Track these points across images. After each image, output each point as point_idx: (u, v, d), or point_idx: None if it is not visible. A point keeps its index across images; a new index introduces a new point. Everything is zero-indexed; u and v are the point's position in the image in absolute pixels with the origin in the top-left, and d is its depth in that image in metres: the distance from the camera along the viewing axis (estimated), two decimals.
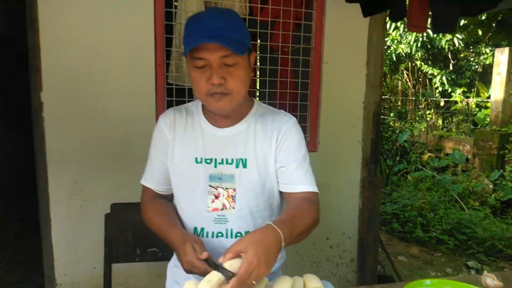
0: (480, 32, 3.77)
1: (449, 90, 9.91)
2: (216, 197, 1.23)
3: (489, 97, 8.20)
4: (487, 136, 6.19)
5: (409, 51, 9.86)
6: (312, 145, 2.55)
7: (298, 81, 2.54)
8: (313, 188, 1.22)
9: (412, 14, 1.79)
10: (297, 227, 1.06)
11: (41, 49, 2.02)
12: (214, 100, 1.14)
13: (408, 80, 10.77)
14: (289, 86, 2.52)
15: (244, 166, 1.22)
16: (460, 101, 9.47)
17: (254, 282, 0.92)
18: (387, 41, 9.43)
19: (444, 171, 6.59)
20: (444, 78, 9.88)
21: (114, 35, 2.13)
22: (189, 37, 1.10)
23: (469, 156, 6.58)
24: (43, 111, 2.07)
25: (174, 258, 1.36)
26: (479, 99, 9.16)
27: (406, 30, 9.10)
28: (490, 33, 3.68)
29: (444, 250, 3.95)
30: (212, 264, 1.02)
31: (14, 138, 5.33)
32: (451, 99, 9.69)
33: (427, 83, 10.63)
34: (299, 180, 1.22)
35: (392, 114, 8.50)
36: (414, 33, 9.04)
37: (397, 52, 10.17)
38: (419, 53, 9.91)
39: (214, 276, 0.91)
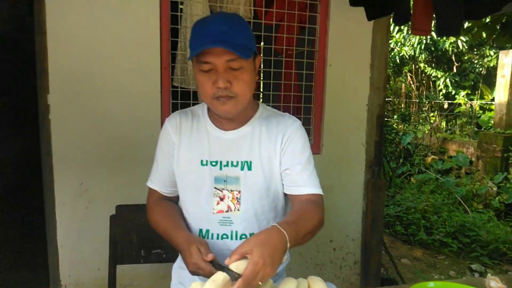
0: (484, 35, 3.77)
1: (453, 92, 9.90)
2: (221, 199, 1.24)
3: (493, 100, 8.18)
4: (491, 138, 6.18)
5: (412, 54, 9.87)
6: (316, 147, 2.56)
7: (302, 84, 2.55)
8: (318, 190, 1.23)
9: (416, 17, 1.79)
10: (302, 229, 1.07)
11: (48, 52, 2.04)
12: (219, 103, 1.15)
13: (411, 82, 10.77)
14: (293, 88, 2.54)
15: (249, 168, 1.23)
16: (464, 103, 9.46)
17: (260, 283, 0.93)
18: (390, 43, 9.43)
19: (448, 174, 6.57)
20: (447, 80, 9.87)
21: (120, 38, 2.15)
22: (196, 41, 1.12)
23: (473, 159, 6.57)
24: (50, 113, 2.09)
25: (179, 259, 1.37)
26: (483, 102, 9.14)
27: (410, 32, 9.09)
28: (494, 36, 3.69)
29: (447, 253, 3.94)
30: (218, 266, 1.03)
31: (18, 139, 5.37)
32: (455, 101, 9.67)
33: (431, 85, 10.63)
34: (304, 182, 1.23)
35: (395, 116, 8.50)
36: (418, 36, 9.03)
37: (400, 55, 10.18)
38: (423, 56, 9.91)
39: (220, 276, 0.92)
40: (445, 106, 9.88)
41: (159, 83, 2.23)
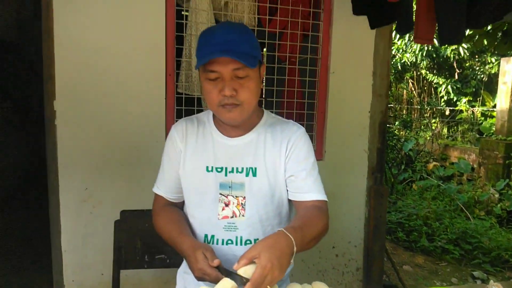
0: (485, 42, 3.80)
1: (455, 99, 9.92)
2: (226, 205, 1.26)
3: (494, 106, 8.20)
4: (492, 145, 6.18)
5: (414, 60, 9.90)
6: (318, 153, 2.58)
7: (305, 91, 2.57)
8: (322, 197, 1.25)
9: (419, 26, 1.82)
10: (308, 234, 1.09)
11: (55, 58, 2.07)
12: (225, 110, 1.17)
13: (413, 89, 10.79)
14: (296, 95, 2.56)
15: (254, 174, 1.25)
16: (466, 110, 9.47)
17: (268, 287, 0.94)
18: (392, 50, 9.47)
19: (450, 180, 6.57)
20: (449, 87, 9.90)
21: (126, 46, 2.18)
22: (202, 51, 1.14)
23: (475, 165, 6.56)
24: (56, 119, 2.11)
25: (184, 264, 1.38)
26: (485, 108, 9.15)
27: (411, 39, 9.14)
28: (495, 43, 3.71)
29: (449, 260, 3.93)
30: (224, 271, 1.04)
31: (22, 143, 5.39)
32: (456, 108, 9.69)
33: (432, 92, 10.65)
34: (309, 188, 1.24)
35: (397, 123, 8.50)
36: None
37: (402, 61, 10.21)
38: (424, 62, 9.94)
39: (227, 283, 0.93)
40: (447, 112, 9.89)
41: (164, 89, 2.26)
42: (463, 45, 8.81)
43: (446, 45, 8.55)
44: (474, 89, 9.79)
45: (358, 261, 2.77)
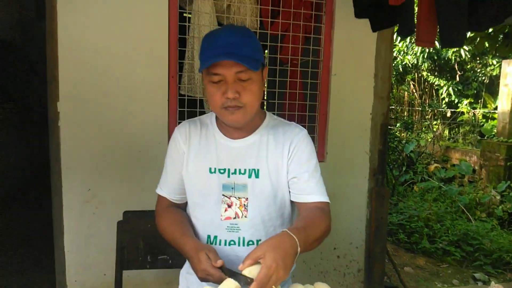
0: (486, 44, 3.81)
1: (456, 101, 9.93)
2: (229, 206, 1.27)
3: (496, 108, 8.20)
4: (494, 147, 6.18)
5: (415, 62, 9.91)
6: (320, 155, 2.59)
7: (307, 93, 2.58)
8: (325, 198, 1.26)
9: (421, 29, 1.82)
10: (311, 235, 1.10)
11: (59, 60, 2.09)
12: (228, 113, 1.18)
13: (414, 90, 10.80)
14: (298, 97, 2.57)
15: (257, 176, 1.26)
16: (467, 112, 9.48)
17: (273, 287, 0.95)
18: (393, 52, 9.49)
19: (451, 182, 6.57)
20: (450, 89, 9.90)
21: (129, 48, 2.20)
22: (206, 54, 1.16)
23: (476, 167, 6.57)
24: (59, 121, 2.13)
25: (187, 265, 1.39)
26: (486, 110, 9.16)
27: (413, 41, 9.14)
28: (497, 45, 3.72)
29: (450, 262, 3.93)
30: (227, 272, 1.05)
31: (24, 144, 5.41)
32: (458, 110, 9.69)
33: (434, 93, 10.66)
34: (311, 190, 1.25)
35: (398, 124, 8.51)
36: None
37: (403, 63, 10.23)
38: (426, 64, 9.96)
39: (231, 284, 0.94)
40: (448, 114, 9.90)
41: (166, 91, 2.27)
42: (465, 47, 8.82)
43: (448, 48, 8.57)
44: (475, 91, 9.79)
45: (360, 263, 2.78)
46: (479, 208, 5.39)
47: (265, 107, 3.80)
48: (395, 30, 2.97)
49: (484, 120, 8.96)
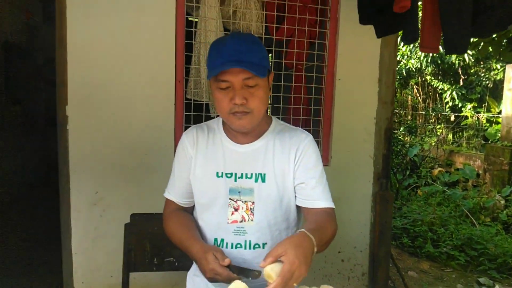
0: (490, 49, 3.82)
1: (460, 105, 9.91)
2: (236, 210, 1.29)
3: (500, 113, 8.18)
4: (498, 151, 6.17)
5: (419, 66, 9.91)
6: (324, 159, 2.61)
7: (312, 97, 2.61)
8: (331, 204, 1.28)
9: (425, 35, 1.84)
10: (323, 237, 1.12)
11: (68, 65, 2.12)
12: (236, 118, 1.21)
13: (418, 94, 10.79)
14: (302, 101, 2.59)
15: (263, 180, 1.28)
16: (471, 116, 9.46)
17: (295, 284, 0.97)
18: (397, 56, 9.51)
19: (455, 186, 6.55)
20: (454, 93, 9.89)
21: (137, 53, 2.24)
22: (214, 62, 1.18)
23: (480, 172, 6.55)
24: (68, 124, 2.16)
25: (194, 267, 1.41)
26: (490, 115, 9.13)
27: (416, 45, 9.16)
28: (501, 50, 3.72)
29: (454, 266, 3.93)
30: (235, 269, 1.07)
31: (30, 147, 5.46)
32: (462, 114, 9.67)
33: (437, 98, 10.64)
34: (318, 196, 1.28)
35: (402, 128, 8.50)
36: None
37: (407, 67, 10.23)
38: (429, 68, 9.95)
39: (240, 285, 0.96)
40: (452, 118, 9.88)
41: (173, 95, 2.30)
42: (468, 51, 8.82)
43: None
44: (479, 95, 9.77)
45: (364, 266, 2.79)
46: (483, 213, 5.38)
47: (269, 111, 3.82)
48: (399, 35, 2.98)
49: (488, 125, 8.93)
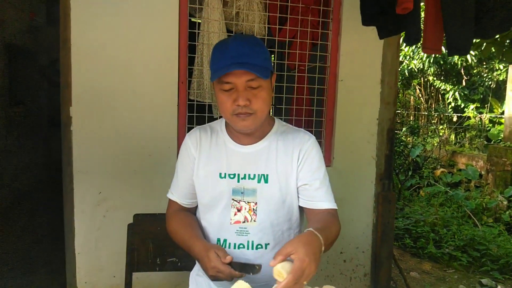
0: (493, 50, 3.81)
1: (462, 105, 9.89)
2: (239, 210, 1.30)
3: (502, 113, 8.16)
4: (500, 152, 6.16)
5: (421, 67, 9.90)
6: (327, 160, 2.61)
7: (314, 98, 2.61)
8: (334, 205, 1.29)
9: (427, 37, 1.85)
10: (329, 236, 1.14)
11: (72, 67, 2.14)
12: (239, 119, 1.22)
13: (420, 95, 10.78)
14: (305, 102, 2.60)
15: (266, 181, 1.29)
16: (473, 116, 9.44)
17: (305, 282, 0.98)
18: (400, 56, 9.51)
19: (457, 187, 6.54)
20: (456, 93, 9.88)
21: (141, 54, 2.25)
22: (218, 64, 1.19)
23: (483, 172, 6.54)
24: (72, 125, 2.18)
25: (197, 266, 1.42)
26: (493, 115, 9.12)
27: (419, 46, 9.15)
28: (503, 51, 3.72)
29: (457, 267, 3.92)
30: (237, 266, 1.08)
31: (33, 148, 5.49)
32: (464, 114, 9.66)
33: (440, 98, 10.63)
34: (322, 197, 1.29)
35: (404, 129, 8.49)
36: None
37: (409, 68, 10.22)
38: (432, 69, 9.94)
39: (243, 285, 0.97)
40: (454, 119, 9.87)
41: (176, 96, 2.32)
42: (471, 52, 8.80)
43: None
44: (481, 96, 9.76)
45: (366, 267, 2.79)
46: (486, 213, 5.37)
47: (272, 112, 3.83)
48: (401, 36, 2.99)
49: (490, 125, 8.92)
